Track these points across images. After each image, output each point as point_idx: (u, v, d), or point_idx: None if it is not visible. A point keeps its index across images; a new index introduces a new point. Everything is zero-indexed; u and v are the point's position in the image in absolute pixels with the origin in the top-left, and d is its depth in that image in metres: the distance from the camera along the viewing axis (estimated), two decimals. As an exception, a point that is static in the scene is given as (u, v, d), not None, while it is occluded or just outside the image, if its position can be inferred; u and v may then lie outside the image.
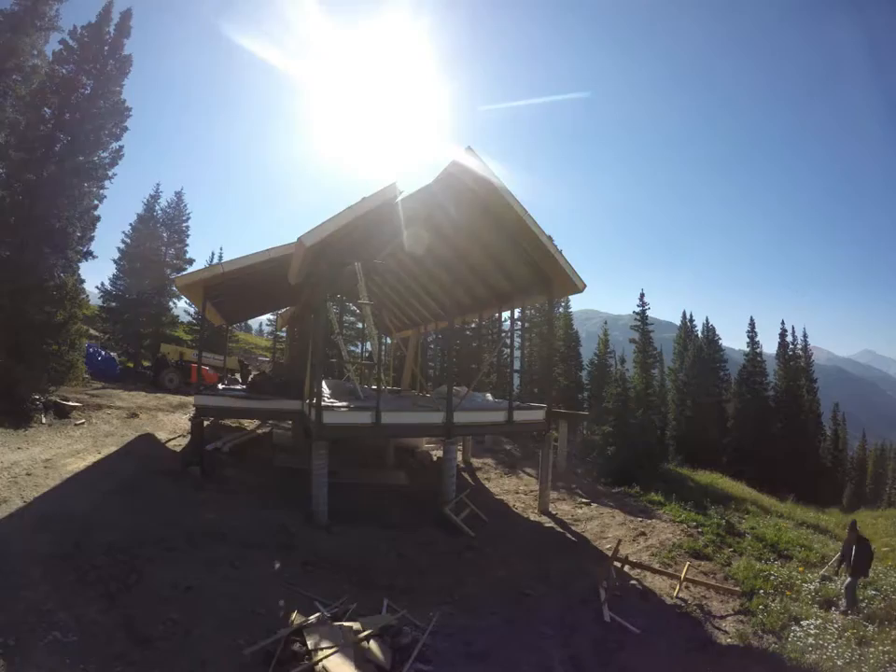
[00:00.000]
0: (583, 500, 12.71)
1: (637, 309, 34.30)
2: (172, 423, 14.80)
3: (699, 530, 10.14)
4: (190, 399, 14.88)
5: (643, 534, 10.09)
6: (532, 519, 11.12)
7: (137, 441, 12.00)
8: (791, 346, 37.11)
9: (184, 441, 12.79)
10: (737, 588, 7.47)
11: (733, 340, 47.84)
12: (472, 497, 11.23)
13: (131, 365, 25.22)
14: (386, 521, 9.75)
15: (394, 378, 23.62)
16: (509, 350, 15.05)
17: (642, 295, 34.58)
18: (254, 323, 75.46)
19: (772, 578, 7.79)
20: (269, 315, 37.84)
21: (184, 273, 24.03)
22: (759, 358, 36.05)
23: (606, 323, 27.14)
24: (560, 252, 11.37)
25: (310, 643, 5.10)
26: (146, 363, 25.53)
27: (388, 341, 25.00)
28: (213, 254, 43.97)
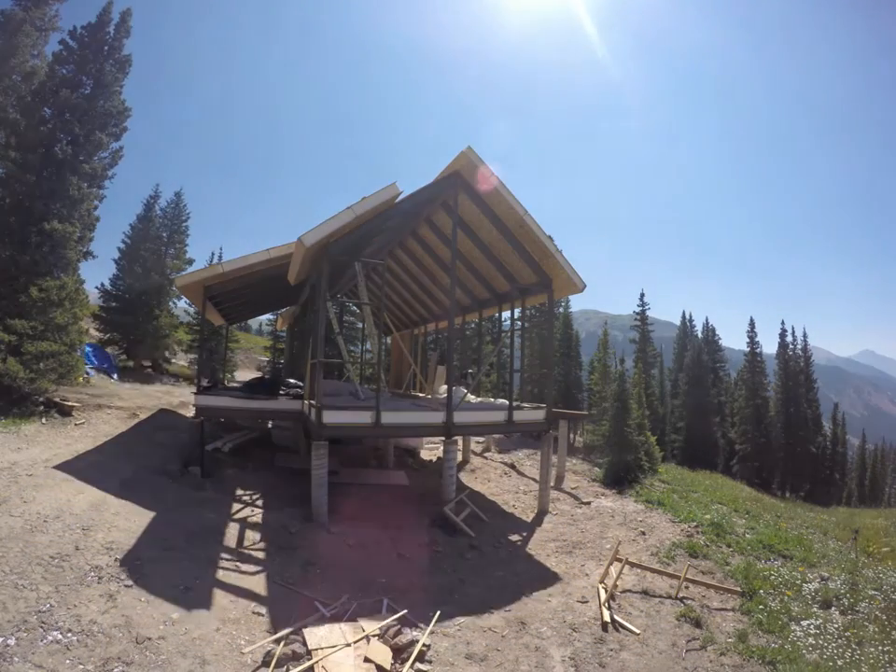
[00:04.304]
0: (583, 500, 12.71)
1: (637, 309, 34.41)
2: (172, 423, 14.80)
3: (698, 530, 10.14)
4: (191, 398, 14.88)
5: (643, 534, 10.09)
6: (532, 519, 11.12)
7: (136, 439, 11.99)
8: (790, 346, 37.18)
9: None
10: (737, 588, 7.47)
11: (733, 340, 47.96)
12: (472, 497, 11.24)
13: (130, 364, 25.22)
14: (386, 521, 9.75)
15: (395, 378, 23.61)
16: (508, 350, 15.07)
17: (642, 295, 34.69)
18: (254, 323, 75.55)
19: (772, 578, 7.80)
20: (269, 315, 37.85)
21: (184, 272, 24.04)
22: (759, 358, 36.09)
23: (606, 323, 27.13)
24: (560, 252, 11.39)
25: (310, 643, 5.11)
26: (146, 363, 25.54)
27: (388, 341, 25.03)
28: (213, 254, 44.04)
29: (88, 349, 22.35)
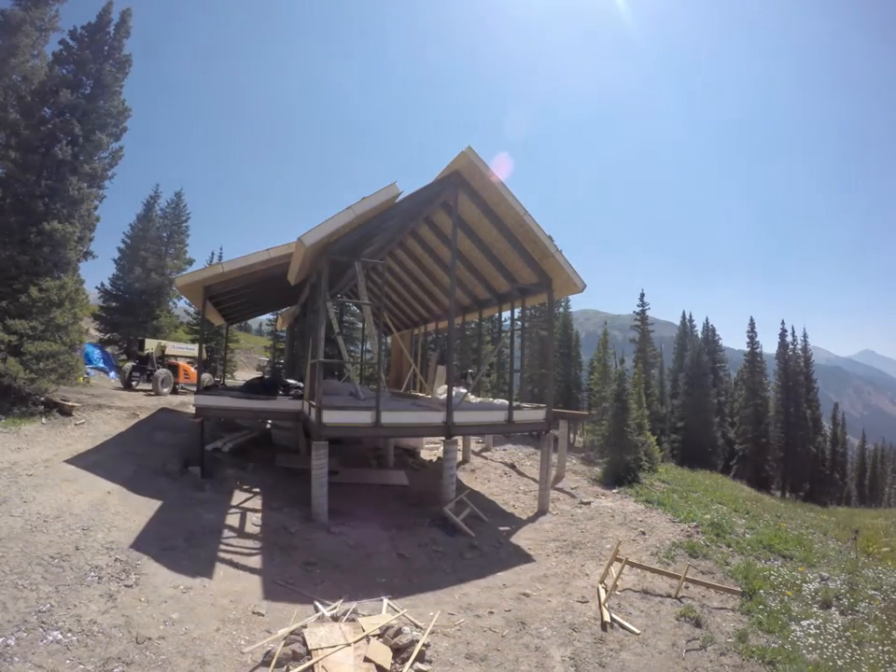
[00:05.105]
0: (583, 500, 12.71)
1: (637, 309, 34.41)
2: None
3: (698, 530, 10.14)
4: (190, 398, 14.89)
5: (643, 534, 10.09)
6: (532, 519, 11.13)
7: (136, 439, 12.01)
8: (790, 346, 37.20)
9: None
10: (737, 588, 7.47)
11: (733, 340, 48.01)
12: (472, 497, 11.24)
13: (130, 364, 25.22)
14: (386, 521, 9.75)
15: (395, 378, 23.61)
16: (508, 350, 15.08)
17: (642, 295, 34.70)
18: (254, 323, 75.61)
19: (772, 578, 7.80)
20: (269, 315, 37.88)
21: (184, 272, 24.05)
22: (758, 358, 36.12)
23: (606, 323, 27.16)
24: (560, 251, 11.39)
25: (310, 643, 5.10)
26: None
27: (388, 341, 25.03)
28: (213, 254, 44.10)
29: (96, 351, 22.39)
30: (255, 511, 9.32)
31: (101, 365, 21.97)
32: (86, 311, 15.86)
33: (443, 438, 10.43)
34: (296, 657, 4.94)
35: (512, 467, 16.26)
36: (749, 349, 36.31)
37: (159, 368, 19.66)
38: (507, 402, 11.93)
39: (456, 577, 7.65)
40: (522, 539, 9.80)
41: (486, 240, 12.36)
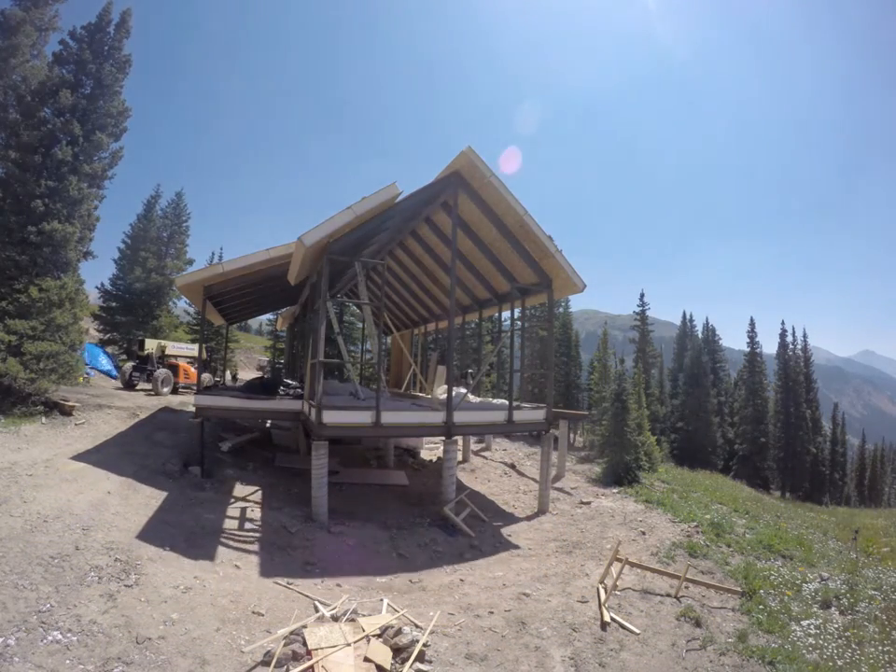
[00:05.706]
0: (583, 500, 12.71)
1: (637, 309, 34.40)
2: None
3: (698, 530, 10.14)
4: (191, 398, 14.89)
5: (643, 534, 10.08)
6: (532, 519, 11.13)
7: (136, 439, 12.01)
8: (790, 346, 37.19)
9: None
10: (737, 588, 7.47)
11: (733, 340, 48.04)
12: (472, 497, 11.25)
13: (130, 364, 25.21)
14: (386, 521, 9.76)
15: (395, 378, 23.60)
16: (508, 350, 15.08)
17: (642, 295, 34.69)
18: (254, 323, 75.67)
19: (772, 578, 7.79)
20: (269, 315, 37.90)
21: (184, 273, 24.06)
22: (758, 358, 36.10)
23: (606, 323, 27.19)
24: (560, 251, 11.39)
25: (310, 643, 5.10)
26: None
27: (388, 341, 25.04)
28: (213, 254, 44.09)
29: (97, 350, 22.39)
30: (255, 510, 9.33)
31: (105, 368, 21.92)
32: (86, 311, 15.85)
33: (443, 438, 10.44)
34: (296, 657, 4.94)
35: (512, 466, 16.26)
36: (749, 349, 36.30)
37: (159, 368, 19.67)
38: (507, 402, 11.94)
39: (457, 576, 7.65)
40: (522, 538, 9.80)
41: (486, 240, 12.36)
